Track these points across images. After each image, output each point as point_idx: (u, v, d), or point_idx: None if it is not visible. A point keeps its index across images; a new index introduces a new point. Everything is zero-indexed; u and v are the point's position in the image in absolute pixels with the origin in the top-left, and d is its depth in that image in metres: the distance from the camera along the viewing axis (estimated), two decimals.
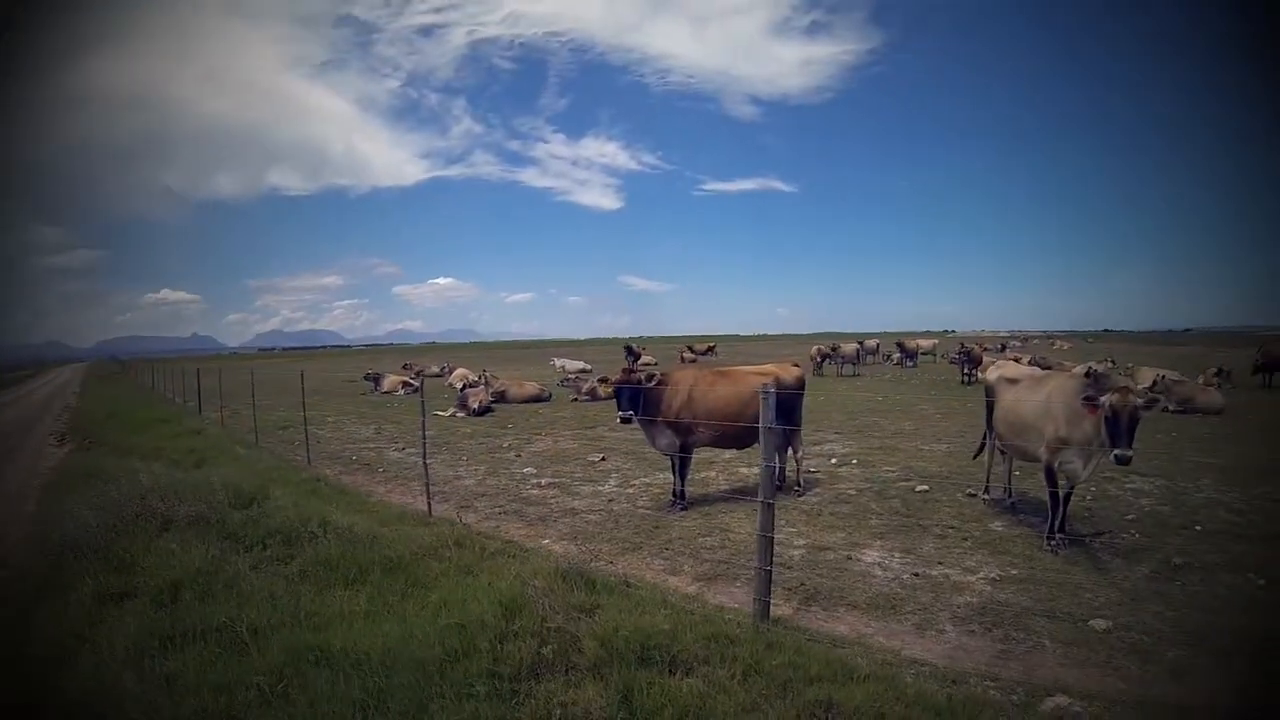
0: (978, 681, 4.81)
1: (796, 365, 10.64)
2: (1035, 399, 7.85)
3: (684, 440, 9.36)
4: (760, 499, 5.60)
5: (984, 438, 9.70)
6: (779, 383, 9.75)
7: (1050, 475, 7.51)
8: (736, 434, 9.41)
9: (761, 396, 5.57)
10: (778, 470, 10.22)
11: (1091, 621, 5.74)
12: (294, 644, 4.82)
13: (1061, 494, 7.51)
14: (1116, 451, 6.64)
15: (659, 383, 9.36)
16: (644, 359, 34.41)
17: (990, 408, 8.99)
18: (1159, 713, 4.42)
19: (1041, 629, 5.68)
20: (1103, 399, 6.80)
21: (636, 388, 9.08)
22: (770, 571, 5.60)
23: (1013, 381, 8.60)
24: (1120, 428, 6.62)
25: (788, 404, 9.73)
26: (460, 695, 4.18)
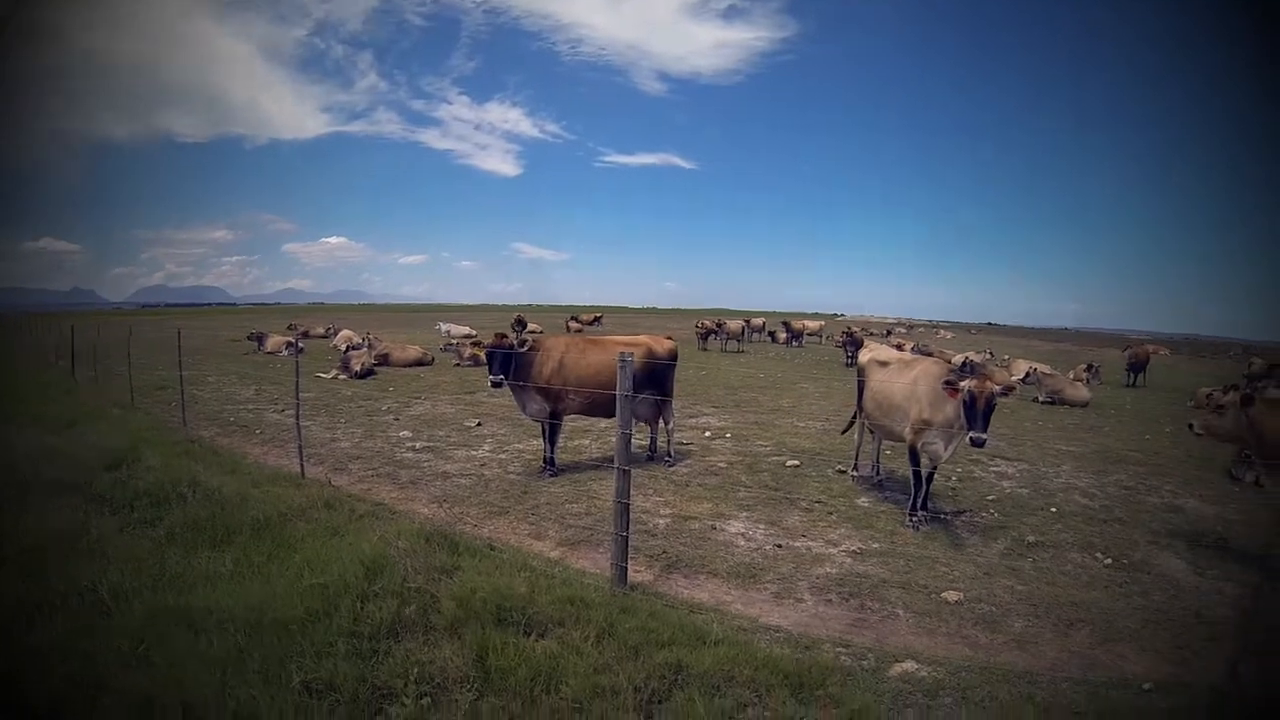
0: (830, 648, 5.08)
1: (669, 338, 10.81)
2: (902, 382, 8.30)
3: (554, 407, 9.49)
4: (616, 465, 5.73)
5: (854, 416, 10.15)
6: (651, 354, 9.99)
7: (914, 455, 7.98)
8: (606, 402, 9.52)
9: (619, 364, 5.70)
10: (650, 441, 10.50)
11: (944, 593, 6.15)
12: (156, 606, 4.81)
13: (924, 473, 7.98)
14: (972, 433, 7.10)
15: (530, 349, 9.42)
16: (530, 328, 34.39)
17: (861, 388, 9.40)
18: (1001, 678, 4.76)
19: (896, 599, 6.05)
20: (962, 384, 7.27)
21: (508, 352, 9.11)
22: (627, 537, 5.76)
23: (883, 364, 9.03)
24: (977, 412, 7.08)
25: (659, 375, 10.03)
26: (320, 654, 4.26)
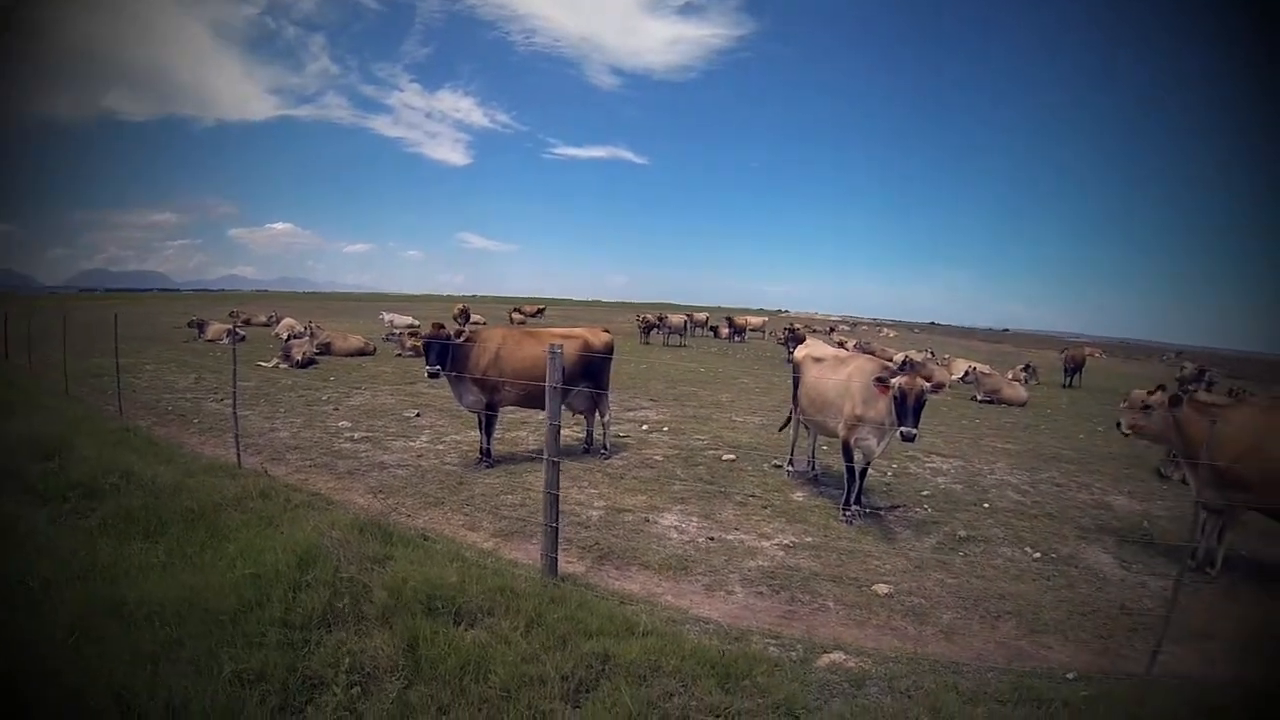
0: (759, 639, 5.17)
1: (606, 330, 10.85)
2: (836, 378, 8.45)
3: (490, 399, 9.51)
4: (546, 457, 5.81)
5: (791, 412, 10.28)
6: (587, 346, 10.04)
7: (847, 450, 8.12)
8: (542, 394, 9.50)
9: (549, 356, 5.79)
10: (587, 433, 10.60)
11: (875, 586, 6.29)
12: (87, 597, 4.73)
13: (858, 469, 8.13)
14: (903, 429, 7.25)
15: (468, 340, 9.40)
16: (474, 319, 34.12)
17: (797, 384, 9.54)
18: (928, 668, 4.89)
19: (827, 592, 6.17)
20: (893, 381, 7.42)
21: (445, 343, 9.11)
22: (557, 529, 5.83)
23: (818, 360, 9.18)
24: (908, 408, 7.23)
25: (595, 367, 10.10)
26: (251, 644, 4.26)
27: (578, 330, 10.71)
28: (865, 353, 25.63)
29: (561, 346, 5.92)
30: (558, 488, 5.81)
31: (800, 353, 9.70)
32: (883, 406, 7.61)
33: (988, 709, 4.34)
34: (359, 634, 4.46)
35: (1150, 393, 7.92)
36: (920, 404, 7.24)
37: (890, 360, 23.44)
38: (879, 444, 7.96)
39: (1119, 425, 8.05)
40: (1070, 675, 5.08)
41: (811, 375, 9.00)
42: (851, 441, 8.02)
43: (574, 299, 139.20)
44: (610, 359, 10.53)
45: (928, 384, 7.34)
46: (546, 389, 5.81)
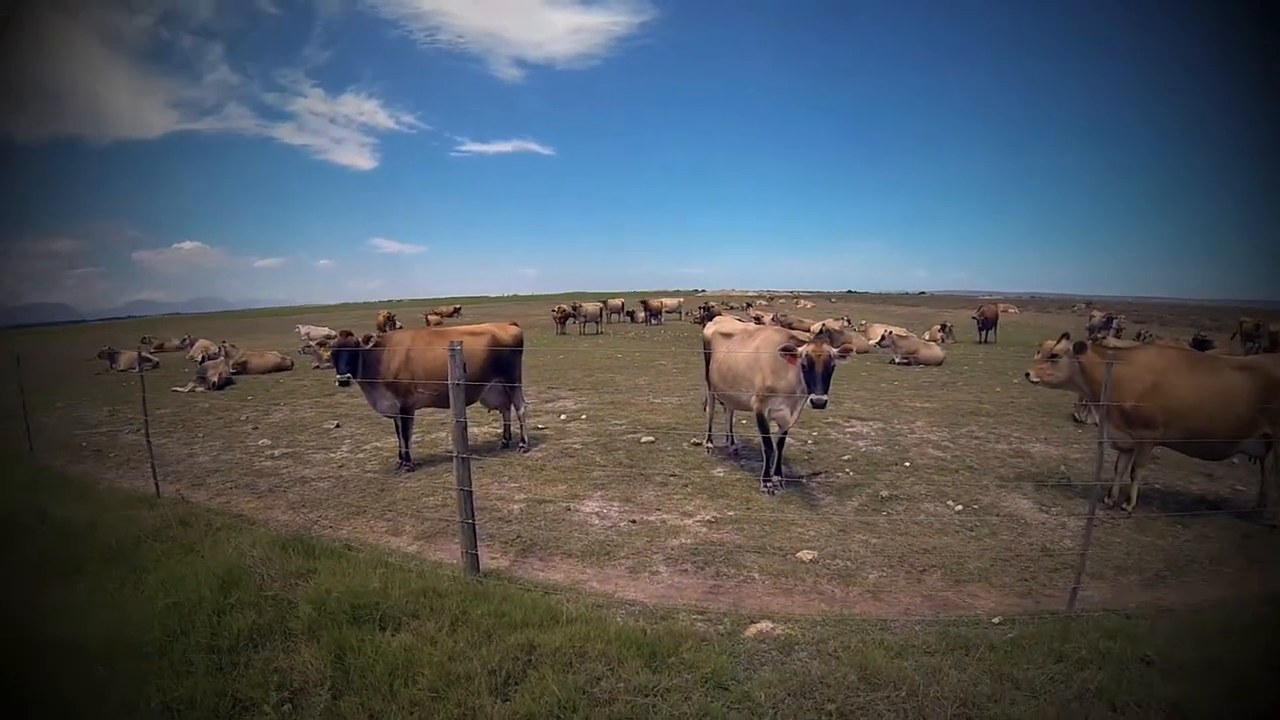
0: (686, 616, 5.24)
1: (514, 324, 10.81)
2: (745, 352, 8.56)
3: (404, 402, 9.48)
4: (455, 454, 5.84)
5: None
6: (496, 341, 10.04)
7: (762, 422, 8.24)
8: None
9: (449, 354, 5.80)
10: (504, 428, 10.65)
11: (800, 553, 6.41)
12: (7, 644, 4.64)
13: (774, 439, 8.26)
14: (813, 396, 7.36)
15: (376, 345, 9.33)
16: (397, 325, 33.63)
17: (708, 361, 9.64)
18: (855, 628, 5.01)
19: (752, 563, 6.26)
20: (800, 350, 7.54)
21: (354, 350, 9.05)
22: (473, 524, 5.86)
23: (727, 336, 9.28)
24: (816, 375, 7.36)
25: (507, 362, 10.11)
26: (179, 673, 4.27)
27: (485, 326, 10.67)
28: (783, 325, 26.05)
29: (461, 344, 5.94)
30: (470, 484, 5.84)
31: (709, 330, 9.80)
32: (792, 376, 7.72)
33: (915, 661, 4.46)
34: (286, 650, 4.50)
35: (1056, 342, 8.22)
36: (829, 371, 7.37)
37: (807, 330, 23.83)
38: (792, 413, 8.09)
39: (1028, 375, 8.32)
40: (996, 620, 5.28)
41: (721, 351, 9.11)
42: (765, 413, 8.13)
43: (490, 296, 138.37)
44: (520, 352, 10.53)
45: (834, 350, 7.47)
46: (450, 387, 5.80)
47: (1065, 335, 8.32)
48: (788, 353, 7.64)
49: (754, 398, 8.23)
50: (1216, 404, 7.45)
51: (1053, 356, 8.08)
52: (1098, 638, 4.79)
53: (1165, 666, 4.46)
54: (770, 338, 8.35)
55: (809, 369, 7.37)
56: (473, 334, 10.16)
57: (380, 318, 35.79)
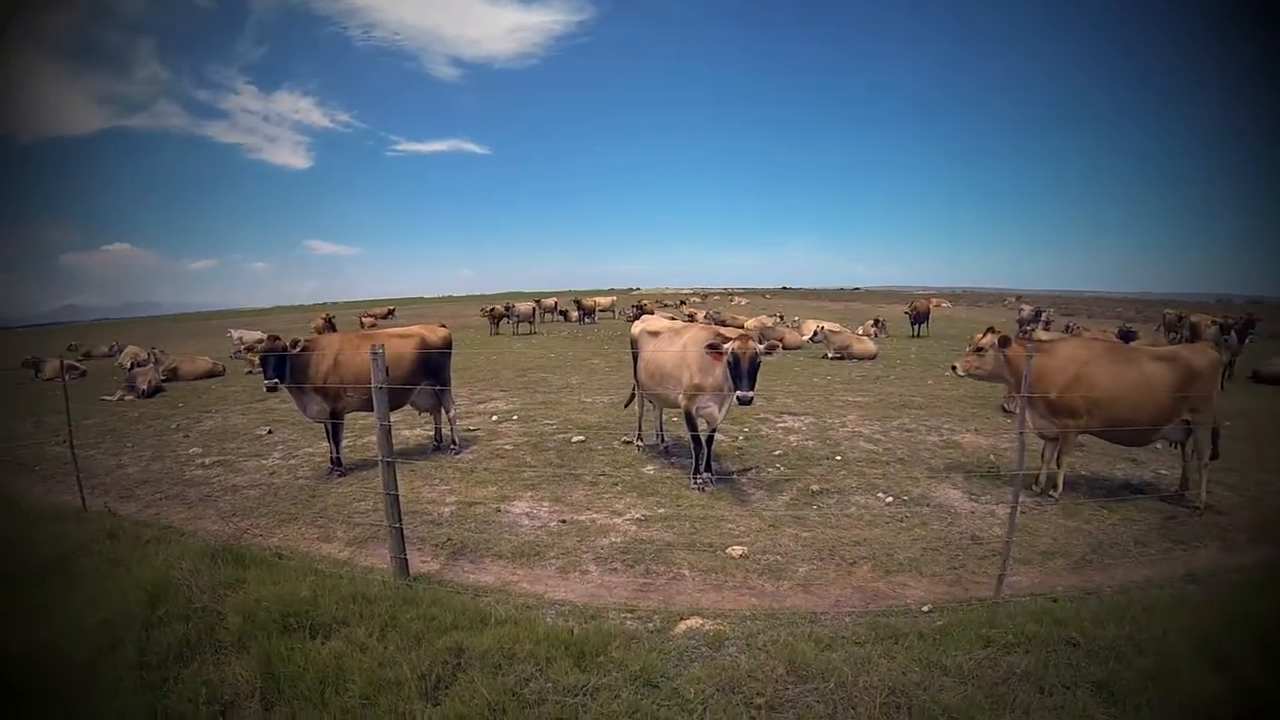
0: (616, 614, 5.25)
1: (443, 326, 10.74)
2: (672, 350, 8.62)
3: (333, 406, 9.36)
4: (380, 458, 5.86)
5: (634, 388, 10.42)
6: (425, 343, 9.96)
7: (690, 420, 8.31)
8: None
9: (372, 358, 5.78)
10: (435, 430, 10.57)
11: (730, 549, 6.45)
12: None
13: (703, 436, 8.32)
14: (739, 393, 7.44)
15: (305, 349, 9.16)
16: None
17: (636, 359, 9.67)
18: (785, 621, 5.06)
19: (682, 560, 6.28)
20: (725, 346, 7.60)
21: (282, 355, 8.91)
22: (401, 529, 5.84)
23: (654, 334, 9.33)
24: (742, 371, 7.42)
25: (436, 364, 10.04)
26: (108, 692, 4.23)
27: (414, 329, 10.58)
28: (716, 322, 26.23)
29: (384, 348, 5.89)
30: (396, 489, 5.85)
31: (636, 328, 9.83)
32: (719, 373, 7.78)
33: (844, 652, 4.52)
34: (216, 663, 4.50)
35: (982, 335, 8.42)
36: (754, 367, 7.43)
37: (740, 327, 24.00)
38: (720, 410, 8.17)
39: (954, 369, 8.52)
40: (925, 608, 5.39)
41: (649, 349, 9.15)
42: (693, 410, 8.18)
43: (425, 297, 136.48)
44: (449, 354, 10.46)
45: (760, 346, 7.53)
46: (373, 390, 5.80)
47: (991, 329, 8.52)
48: (713, 350, 7.69)
49: (681, 395, 8.28)
50: (1137, 393, 7.73)
51: (978, 350, 8.29)
52: (1024, 622, 4.91)
53: (1090, 647, 4.60)
54: (696, 335, 8.39)
55: (735, 366, 7.43)
56: (401, 336, 10.09)
57: (319, 321, 35.17)
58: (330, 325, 32.84)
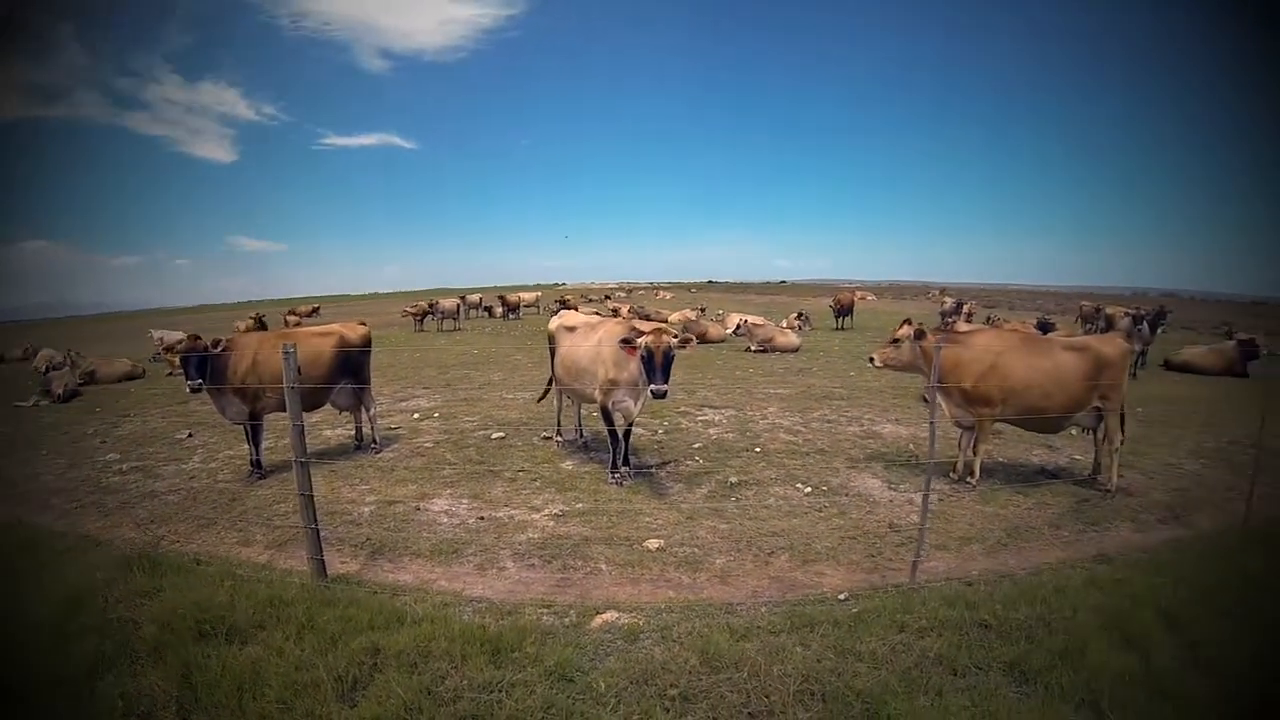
0: (533, 610, 5.25)
1: (363, 324, 10.61)
2: (587, 345, 8.66)
3: (253, 407, 9.16)
4: (294, 459, 5.78)
5: (548, 384, 10.46)
6: (344, 342, 9.83)
7: (606, 414, 8.36)
8: (308, 396, 9.24)
9: (283, 357, 5.71)
10: (356, 430, 10.47)
11: (647, 542, 6.50)
12: None
13: (620, 431, 8.38)
14: (653, 387, 7.52)
15: (224, 349, 8.94)
16: (240, 327, 32.23)
17: (553, 355, 9.70)
18: (701, 613, 5.12)
19: (599, 555, 6.31)
20: (639, 341, 7.65)
21: (203, 355, 8.71)
22: (317, 530, 5.78)
23: (570, 329, 9.37)
24: (655, 366, 7.46)
25: (355, 362, 9.92)
26: (21, 711, 4.15)
27: (333, 326, 10.45)
28: (639, 316, 26.25)
29: (294, 347, 5.82)
30: (311, 489, 5.79)
31: (553, 324, 9.86)
32: (634, 367, 7.84)
33: (759, 641, 4.60)
34: (132, 674, 4.41)
35: (898, 327, 8.62)
36: (668, 361, 7.47)
37: (664, 321, 24.07)
38: (636, 404, 8.24)
39: (871, 360, 8.71)
40: (842, 596, 5.48)
41: (565, 345, 9.18)
42: (609, 405, 8.24)
43: (351, 294, 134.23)
44: (369, 353, 10.36)
45: (673, 340, 7.58)
46: (285, 390, 5.72)
47: (907, 321, 8.72)
48: (627, 344, 7.73)
49: (597, 390, 8.33)
50: (1049, 382, 8.01)
51: (894, 341, 8.49)
52: (938, 606, 5.06)
53: (1002, 629, 4.76)
54: (611, 330, 8.44)
55: (648, 360, 7.47)
56: (320, 335, 9.99)
57: (248, 321, 34.24)
58: (261, 324, 32.14)
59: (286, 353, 5.68)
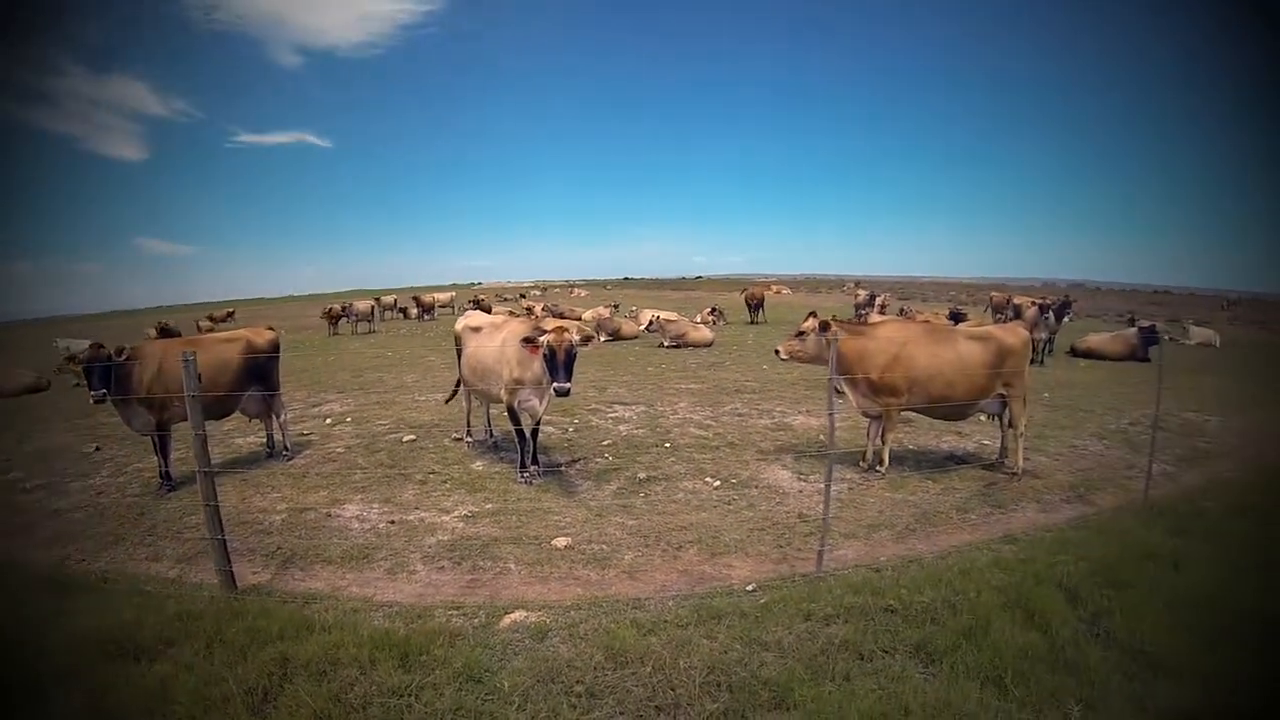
0: (442, 612, 5.24)
1: (271, 329, 10.40)
2: (492, 345, 8.65)
3: (159, 418, 8.85)
4: (198, 469, 5.68)
5: (456, 384, 10.43)
6: (251, 347, 9.60)
7: (513, 414, 8.35)
8: (212, 404, 9.01)
9: (183, 365, 5.61)
10: (267, 437, 10.25)
11: (555, 540, 6.52)
12: None
13: (527, 430, 8.39)
14: (555, 385, 7.56)
15: (129, 358, 8.65)
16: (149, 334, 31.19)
17: (460, 356, 9.67)
18: (609, 609, 5.17)
19: (508, 555, 6.31)
20: (541, 339, 7.69)
21: (106, 365, 8.40)
22: (224, 540, 5.69)
23: (476, 330, 9.36)
24: (557, 364, 7.51)
25: (263, 368, 9.70)
26: None
27: (240, 332, 10.19)
28: (555, 315, 26.22)
29: (194, 354, 5.71)
30: (216, 499, 5.69)
31: (459, 324, 9.85)
32: (538, 366, 7.86)
33: (666, 635, 4.66)
34: (40, 701, 4.25)
35: (804, 320, 8.78)
36: (570, 359, 7.52)
37: (579, 319, 24.09)
38: (541, 403, 8.28)
39: (777, 352, 8.88)
40: (750, 587, 5.57)
41: (471, 345, 9.17)
42: (515, 404, 8.24)
43: (267, 297, 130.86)
44: (277, 358, 10.13)
45: (576, 338, 7.62)
46: (186, 399, 5.62)
47: (813, 314, 8.89)
48: (529, 343, 7.77)
49: (503, 390, 8.32)
50: (953, 370, 8.26)
51: (799, 334, 8.64)
52: (844, 593, 5.20)
53: (908, 612, 4.92)
54: (515, 330, 8.45)
55: (551, 358, 7.52)
56: (227, 341, 9.75)
57: (154, 330, 33.13)
58: (165, 332, 31.14)
59: (186, 361, 5.57)
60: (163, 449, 8.98)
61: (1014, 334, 8.57)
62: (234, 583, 5.74)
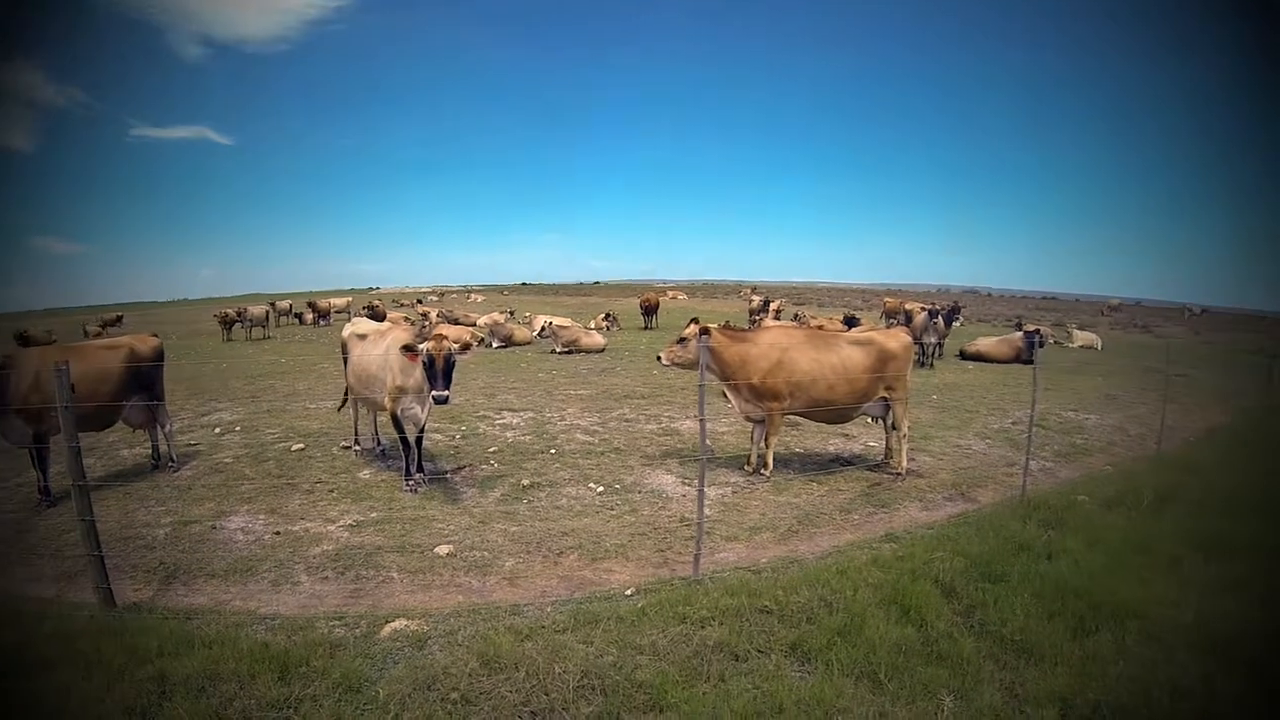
0: (325, 623, 5.22)
1: (154, 335, 10.11)
2: (376, 353, 8.65)
3: (37, 429, 8.41)
4: (72, 483, 5.54)
5: (345, 392, 10.36)
6: (134, 355, 9.31)
7: (396, 422, 8.32)
8: (92, 414, 8.71)
9: (55, 375, 5.45)
10: (152, 448, 9.90)
11: (437, 548, 6.55)
12: None
13: (411, 438, 8.38)
14: (434, 393, 7.57)
15: (3, 367, 8.25)
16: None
17: (346, 363, 9.63)
18: (488, 615, 5.25)
19: (391, 563, 6.31)
20: (420, 347, 7.72)
21: None
22: (102, 556, 5.58)
23: (361, 337, 9.32)
24: (436, 371, 7.55)
25: (147, 377, 9.39)
26: None
27: (123, 339, 9.86)
28: (449, 321, 26.07)
29: (67, 364, 5.53)
30: (92, 514, 5.56)
31: (346, 331, 9.80)
32: (419, 374, 7.85)
33: (542, 641, 4.76)
34: None
35: (686, 326, 8.99)
36: (449, 366, 7.57)
37: (473, 325, 23.99)
38: (424, 411, 8.28)
39: (659, 358, 9.05)
40: (629, 591, 5.71)
41: (356, 353, 9.14)
42: (398, 412, 8.22)
43: (159, 301, 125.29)
44: (161, 366, 9.83)
45: (455, 346, 7.68)
46: (59, 410, 5.45)
47: (694, 320, 9.09)
48: (409, 351, 7.79)
49: (386, 398, 8.30)
50: (835, 375, 8.58)
51: (681, 340, 8.83)
52: (720, 596, 5.37)
53: (783, 612, 5.12)
54: (398, 337, 8.42)
55: (430, 366, 7.54)
56: (108, 349, 9.38)
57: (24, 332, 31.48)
58: (24, 340, 29.71)
59: (58, 371, 5.41)
60: (41, 462, 8.57)
61: (895, 339, 8.93)
62: (113, 600, 5.60)
